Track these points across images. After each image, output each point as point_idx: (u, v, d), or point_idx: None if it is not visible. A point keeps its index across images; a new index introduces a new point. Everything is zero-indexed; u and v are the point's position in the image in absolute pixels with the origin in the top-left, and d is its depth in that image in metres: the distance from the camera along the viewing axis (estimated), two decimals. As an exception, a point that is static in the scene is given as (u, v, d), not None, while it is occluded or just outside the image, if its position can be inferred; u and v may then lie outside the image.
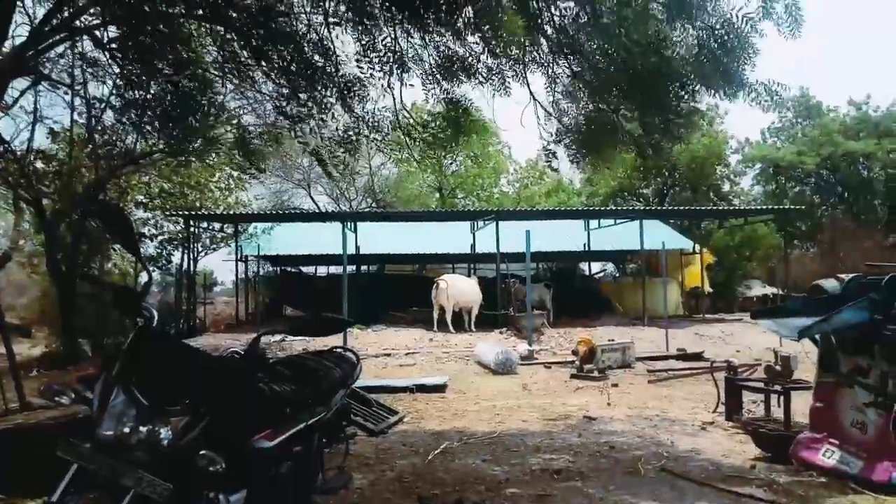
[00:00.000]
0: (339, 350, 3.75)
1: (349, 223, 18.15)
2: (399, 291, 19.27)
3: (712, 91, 5.70)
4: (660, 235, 19.59)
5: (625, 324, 16.68)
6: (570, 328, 15.79)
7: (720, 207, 25.57)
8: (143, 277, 22.19)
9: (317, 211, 24.54)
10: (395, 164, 32.07)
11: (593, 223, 20.92)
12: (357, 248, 19.16)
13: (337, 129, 6.75)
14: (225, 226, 19.54)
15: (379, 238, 21.22)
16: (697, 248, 21.79)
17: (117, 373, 2.24)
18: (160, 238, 17.63)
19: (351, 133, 6.66)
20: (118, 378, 2.23)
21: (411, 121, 6.72)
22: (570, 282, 21.55)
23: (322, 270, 26.64)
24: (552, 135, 6.70)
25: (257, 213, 19.77)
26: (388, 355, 12.35)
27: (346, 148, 6.70)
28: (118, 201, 13.74)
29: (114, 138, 11.26)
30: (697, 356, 11.61)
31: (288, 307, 23.53)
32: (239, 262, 20.28)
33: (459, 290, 15.90)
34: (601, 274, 26.56)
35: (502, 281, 16.86)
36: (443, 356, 12.22)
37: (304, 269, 27.88)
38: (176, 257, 18.26)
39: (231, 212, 17.83)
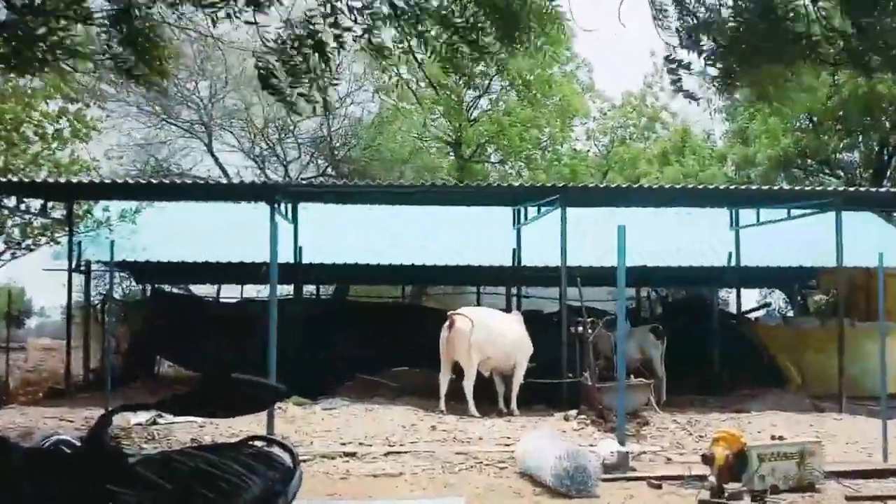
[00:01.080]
0: (259, 444, 3.73)
1: (282, 204, 18.21)
2: (374, 335, 19.31)
3: None
4: (874, 239, 19.39)
5: (804, 408, 16.49)
6: (697, 412, 15.56)
7: None
8: None
9: (223, 181, 24.70)
10: (375, 93, 32.12)
11: (747, 214, 20.84)
12: (297, 251, 19.22)
13: (288, 18, 6.77)
14: (51, 205, 19.64)
15: (340, 234, 21.24)
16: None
17: None
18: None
19: (317, 21, 6.65)
20: None
21: (417, 7, 6.71)
22: (699, 325, 21.43)
23: (230, 292, 26.71)
24: (680, 35, 6.64)
25: (111, 181, 19.89)
26: (353, 455, 12.27)
27: (309, 49, 6.71)
28: None
29: None
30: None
31: (166, 360, 23.60)
32: (75, 274, 20.42)
33: (489, 334, 15.87)
34: (760, 311, 26.40)
35: (570, 320, 16.82)
36: (456, 459, 12.14)
37: (197, 289, 27.96)
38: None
39: (63, 179, 17.94)
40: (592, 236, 20.79)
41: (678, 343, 18.59)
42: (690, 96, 7.34)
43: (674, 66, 6.92)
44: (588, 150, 37.10)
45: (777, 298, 28.59)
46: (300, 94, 7.28)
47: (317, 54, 6.87)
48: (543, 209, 18.63)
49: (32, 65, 8.40)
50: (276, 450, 3.77)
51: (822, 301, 26.93)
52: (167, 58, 7.76)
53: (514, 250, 20.29)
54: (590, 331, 16.14)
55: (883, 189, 22.94)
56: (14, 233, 19.56)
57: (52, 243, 20.59)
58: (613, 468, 11.31)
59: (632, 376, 14.88)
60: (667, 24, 6.74)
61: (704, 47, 6.75)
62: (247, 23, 6.75)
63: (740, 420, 14.81)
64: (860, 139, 31.20)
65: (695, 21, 6.69)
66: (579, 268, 17.79)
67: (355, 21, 6.65)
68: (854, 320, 18.22)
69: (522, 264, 20.29)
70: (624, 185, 20.01)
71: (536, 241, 20.06)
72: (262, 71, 7.18)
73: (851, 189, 19.54)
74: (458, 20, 6.79)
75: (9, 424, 13.55)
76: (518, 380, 16.11)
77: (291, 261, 18.67)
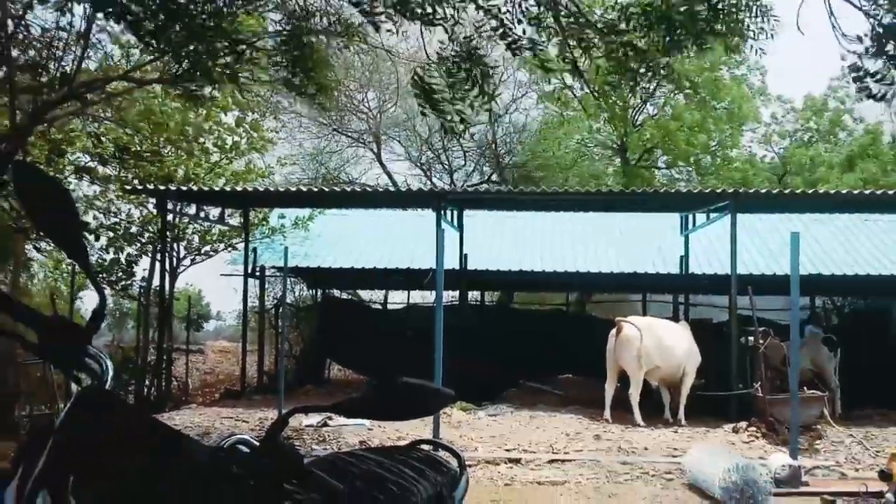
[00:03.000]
0: (426, 448, 3.77)
1: (448, 211, 18.45)
2: (539, 342, 19.35)
3: None
4: None
5: None
6: (875, 427, 15.07)
7: None
8: (90, 301, 23.74)
9: (391, 189, 25.18)
10: (540, 102, 32.22)
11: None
12: (463, 258, 19.43)
13: (453, 33, 6.88)
14: (228, 213, 20.48)
15: (504, 242, 21.37)
16: None
17: (43, 469, 2.37)
18: (114, 232, 18.75)
19: (478, 33, 6.75)
20: (44, 479, 2.36)
21: (582, 15, 6.70)
22: (879, 336, 20.63)
23: (398, 298, 27.19)
24: (865, 41, 6.43)
25: (285, 190, 20.56)
26: (517, 462, 12.33)
27: (472, 61, 6.81)
28: (48, 165, 14.77)
29: (44, 53, 12.14)
30: None
31: (336, 363, 24.23)
32: (250, 280, 21.19)
33: (658, 343, 15.71)
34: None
35: (741, 330, 16.45)
36: (621, 469, 12.06)
37: (367, 294, 28.56)
38: (140, 267, 19.35)
39: (240, 187, 18.62)
40: (766, 243, 20.33)
41: (856, 354, 17.95)
42: (878, 97, 7.08)
43: (860, 73, 6.72)
44: (761, 156, 36.12)
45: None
46: (457, 112, 7.36)
47: (478, 70, 6.94)
48: (713, 215, 18.29)
49: (208, 81, 8.83)
50: (442, 454, 3.82)
51: None
52: (331, 77, 8.04)
53: (681, 257, 20.00)
54: (761, 341, 15.79)
55: None
56: (194, 240, 20.30)
57: (228, 249, 21.40)
58: (785, 483, 11.04)
59: (805, 388, 14.47)
60: (846, 32, 6.55)
61: (890, 52, 6.54)
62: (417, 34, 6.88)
63: (921, 436, 14.21)
64: None
65: (877, 25, 6.48)
66: (750, 275, 17.39)
67: (524, 32, 6.69)
68: None
69: (690, 272, 19.96)
70: (798, 191, 19.40)
71: (707, 248, 19.71)
72: (423, 86, 7.30)
73: None
74: (623, 26, 6.75)
75: (189, 423, 14.16)
76: (686, 390, 15.91)
77: (457, 267, 18.86)
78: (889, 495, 9.74)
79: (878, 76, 6.72)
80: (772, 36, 7.17)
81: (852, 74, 6.75)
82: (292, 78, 8.17)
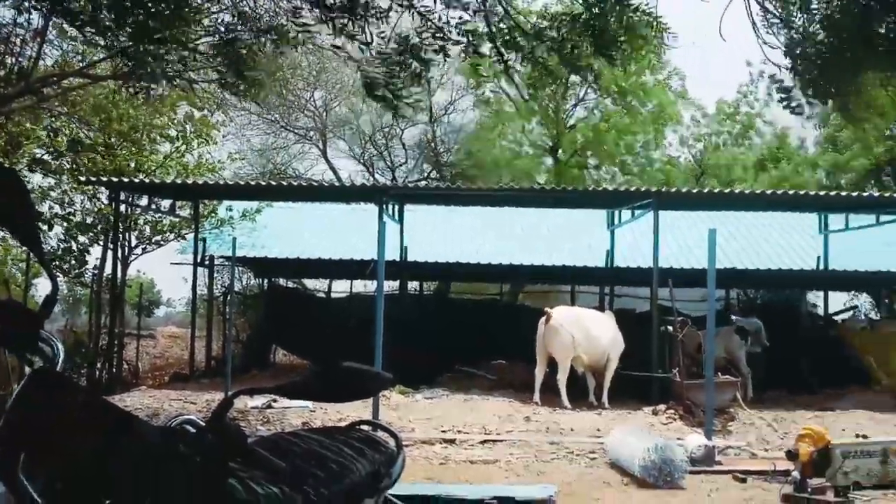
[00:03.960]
0: (366, 428, 3.78)
1: (390, 206, 18.42)
2: (473, 330, 19.39)
3: None
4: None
5: (889, 407, 16.02)
6: (784, 410, 15.26)
7: None
8: (43, 287, 23.32)
9: (336, 184, 25.08)
10: (475, 105, 32.32)
11: (836, 220, 20.38)
12: (403, 250, 19.41)
13: (390, 35, 6.87)
14: (178, 205, 20.27)
15: (442, 235, 21.37)
16: None
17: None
18: (68, 222, 18.45)
19: (418, 39, 6.73)
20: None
21: (514, 22, 6.71)
22: (787, 326, 21.02)
23: (341, 287, 27.08)
24: (786, 50, 6.50)
25: (233, 183, 20.37)
26: (452, 442, 12.37)
27: (412, 59, 6.80)
28: (4, 158, 14.49)
29: (1, 49, 11.91)
30: None
31: (281, 349, 24.06)
32: (200, 268, 21.00)
33: (584, 331, 15.84)
34: (846, 314, 25.72)
35: (661, 320, 16.66)
36: (549, 448, 12.14)
37: (312, 283, 28.40)
38: (93, 256, 19.06)
39: (189, 180, 18.45)
40: (686, 239, 20.60)
41: (766, 342, 18.31)
42: (795, 109, 7.17)
43: (778, 82, 6.80)
44: (681, 157, 36.59)
45: (864, 302, 27.75)
46: (399, 97, 7.37)
47: (418, 65, 6.95)
48: (637, 212, 18.48)
49: (154, 81, 8.76)
50: (381, 434, 3.81)
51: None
52: (265, 77, 8.06)
53: (607, 251, 20.18)
54: (680, 330, 15.99)
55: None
56: (145, 230, 20.13)
57: (179, 239, 21.20)
58: (700, 462, 11.18)
59: (719, 373, 14.69)
60: (769, 40, 6.61)
61: (797, 63, 6.62)
62: (351, 37, 6.87)
63: (825, 418, 14.46)
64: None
65: (791, 36, 6.56)
66: (671, 269, 17.61)
67: (458, 35, 6.69)
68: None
69: (616, 265, 20.15)
70: (715, 190, 19.70)
71: (631, 243, 19.93)
72: (367, 80, 7.30)
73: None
74: (553, 34, 6.77)
75: (138, 405, 14.00)
76: (610, 375, 16.06)
77: (397, 259, 18.85)
78: (795, 473, 9.92)
79: (791, 91, 6.81)
80: (661, 51, 7.27)
81: (775, 86, 6.83)
82: (226, 77, 8.16)
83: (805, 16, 6.63)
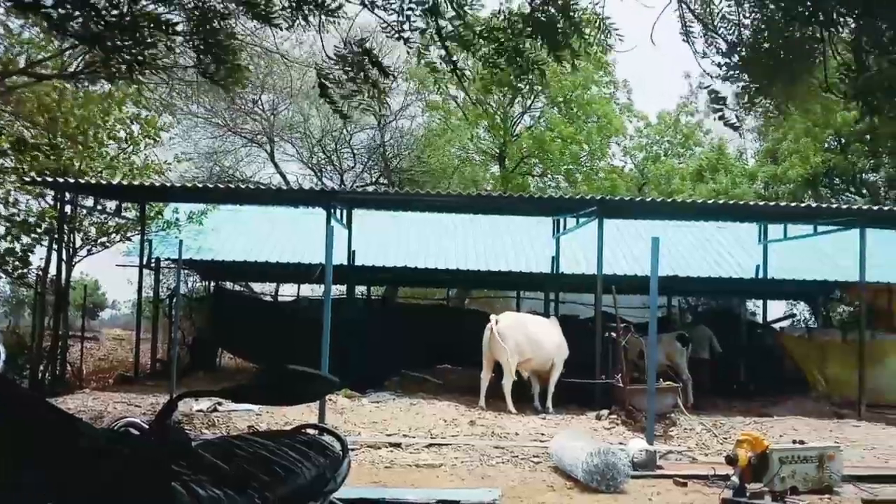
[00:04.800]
0: (311, 432, 3.76)
1: (338, 210, 18.35)
2: (420, 335, 19.40)
3: None
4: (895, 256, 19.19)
5: (825, 414, 16.37)
6: (723, 415, 15.47)
7: None
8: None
9: (284, 188, 24.91)
10: (425, 111, 32.39)
11: (775, 230, 20.70)
12: (351, 254, 19.35)
13: (346, 37, 6.83)
14: (125, 206, 19.99)
15: (390, 240, 21.34)
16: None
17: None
18: (11, 223, 18.09)
19: (367, 39, 6.70)
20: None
21: (462, 29, 6.70)
22: (727, 333, 21.33)
23: (288, 291, 26.93)
24: (721, 61, 6.55)
25: (180, 185, 20.16)
26: (398, 446, 12.35)
27: (370, 63, 6.74)
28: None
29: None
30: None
31: (227, 352, 23.86)
32: (145, 271, 20.74)
33: (529, 337, 15.92)
34: (784, 322, 26.17)
35: (605, 326, 16.78)
36: (493, 453, 12.16)
37: (258, 287, 28.22)
38: (36, 257, 18.74)
39: (136, 182, 18.23)
40: (629, 247, 20.80)
41: (709, 349, 18.57)
42: (731, 125, 7.23)
43: (713, 93, 6.86)
44: (624, 166, 37.02)
45: (802, 310, 28.25)
46: (348, 100, 7.34)
47: (375, 68, 6.92)
48: (582, 220, 18.61)
49: (118, 74, 8.59)
50: (326, 438, 3.81)
51: (844, 313, 26.61)
52: (243, 66, 7.87)
53: (553, 258, 20.30)
54: (623, 337, 16.12)
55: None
56: (91, 231, 19.83)
57: (124, 241, 20.87)
58: (641, 466, 11.27)
59: (661, 380, 14.84)
60: (706, 48, 6.66)
61: (727, 68, 6.68)
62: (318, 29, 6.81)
63: (763, 424, 14.69)
64: (886, 160, 30.89)
65: (724, 43, 6.63)
66: (614, 276, 17.76)
67: (409, 39, 6.67)
68: (875, 333, 18.00)
69: (561, 272, 20.28)
70: (658, 199, 19.92)
71: (576, 250, 20.06)
72: (322, 80, 7.25)
73: (876, 208, 19.27)
74: (501, 35, 6.76)
75: (82, 407, 13.77)
76: (554, 380, 16.13)
77: (345, 263, 18.79)
78: (734, 478, 10.05)
79: (726, 103, 6.87)
80: (606, 51, 7.34)
81: (710, 96, 6.88)
82: (204, 63, 8.00)
83: (735, 24, 6.72)
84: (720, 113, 6.96)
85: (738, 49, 6.58)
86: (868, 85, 6.20)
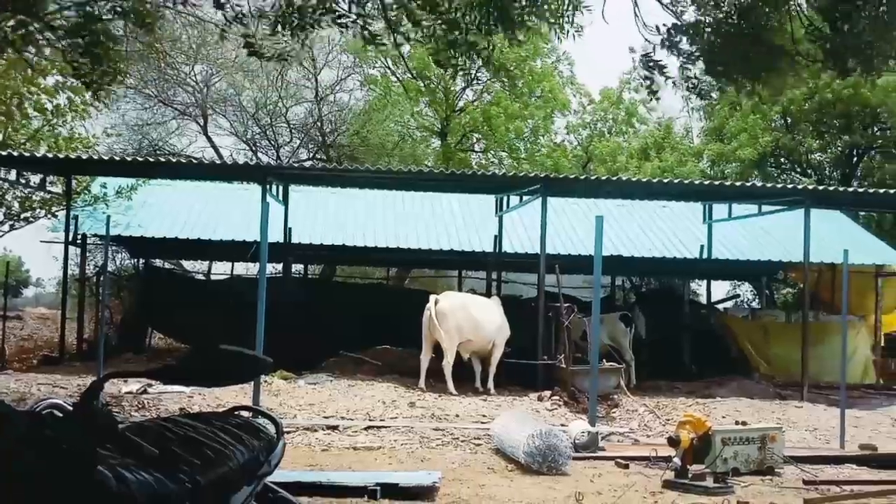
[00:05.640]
0: (245, 414, 3.72)
1: (273, 185, 18.17)
2: (358, 315, 19.34)
3: None
4: (841, 237, 19.57)
5: (768, 395, 16.67)
6: (666, 396, 15.68)
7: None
8: None
9: (217, 162, 24.64)
10: (364, 85, 32.15)
11: (720, 210, 20.96)
12: (287, 231, 19.19)
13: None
14: (50, 180, 19.57)
15: (328, 217, 21.23)
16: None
17: None
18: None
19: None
20: None
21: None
22: (670, 313, 21.60)
23: (221, 269, 26.68)
24: (662, 33, 6.58)
25: (110, 159, 19.79)
26: (335, 428, 12.33)
27: (297, 21, 6.66)
28: None
29: None
30: (897, 460, 11.54)
31: (157, 332, 23.58)
32: (71, 247, 20.38)
33: (469, 317, 15.96)
34: (728, 303, 26.61)
35: (547, 306, 16.88)
36: (434, 435, 12.20)
37: (190, 265, 27.90)
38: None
39: (62, 154, 17.82)
40: (573, 226, 20.93)
41: (650, 330, 18.76)
42: (654, 93, 7.27)
43: (651, 64, 6.88)
44: (567, 143, 37.17)
45: (745, 291, 28.74)
46: (272, 45, 7.26)
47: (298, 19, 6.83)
48: (525, 198, 18.66)
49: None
50: (261, 420, 3.78)
51: (788, 294, 27.11)
52: (122, 64, 7.78)
53: (495, 237, 20.35)
54: (566, 317, 16.22)
55: (850, 189, 23.11)
56: (13, 205, 19.48)
57: (49, 216, 20.53)
58: (583, 447, 11.37)
59: (604, 360, 14.97)
60: (648, 22, 6.70)
61: (683, 49, 6.72)
62: None
63: (706, 405, 14.93)
64: (832, 141, 31.38)
65: (675, 23, 6.66)
66: (558, 255, 17.86)
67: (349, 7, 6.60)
68: (819, 313, 18.36)
69: (503, 250, 20.34)
70: (603, 177, 20.04)
71: (520, 228, 20.13)
72: (245, 37, 7.16)
73: (821, 188, 19.59)
74: (445, 8, 6.70)
75: (4, 389, 13.53)
76: (495, 361, 16.20)
77: (281, 240, 18.64)
78: (676, 460, 10.18)
79: (663, 68, 6.90)
80: (578, 27, 7.35)
81: (641, 62, 6.91)
82: (78, 64, 7.82)
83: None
84: (650, 85, 7.00)
85: (693, 26, 6.62)
86: (843, 45, 6.27)
